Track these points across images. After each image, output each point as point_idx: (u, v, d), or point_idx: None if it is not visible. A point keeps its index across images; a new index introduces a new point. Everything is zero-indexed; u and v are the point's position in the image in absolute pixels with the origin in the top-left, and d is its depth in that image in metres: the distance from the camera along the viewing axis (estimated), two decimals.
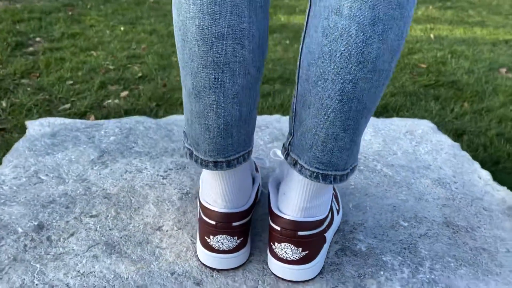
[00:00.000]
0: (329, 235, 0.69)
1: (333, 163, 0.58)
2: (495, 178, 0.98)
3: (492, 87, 2.12)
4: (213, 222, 0.64)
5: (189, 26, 0.52)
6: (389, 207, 0.84)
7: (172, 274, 0.66)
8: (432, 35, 3.09)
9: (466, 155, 1.05)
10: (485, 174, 0.98)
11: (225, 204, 0.64)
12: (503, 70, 2.44)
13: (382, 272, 0.68)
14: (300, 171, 0.60)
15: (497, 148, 1.52)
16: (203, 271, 0.66)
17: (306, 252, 0.63)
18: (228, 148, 0.60)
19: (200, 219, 0.67)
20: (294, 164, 0.61)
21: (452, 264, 0.70)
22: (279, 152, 0.76)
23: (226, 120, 0.57)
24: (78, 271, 0.66)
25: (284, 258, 0.63)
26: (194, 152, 0.62)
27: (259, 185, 0.73)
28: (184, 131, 0.65)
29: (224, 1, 0.50)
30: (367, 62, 0.50)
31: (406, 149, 1.06)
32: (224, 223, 0.63)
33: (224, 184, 0.64)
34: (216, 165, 0.61)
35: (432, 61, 2.50)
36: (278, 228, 0.63)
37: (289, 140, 0.62)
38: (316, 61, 0.53)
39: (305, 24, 0.56)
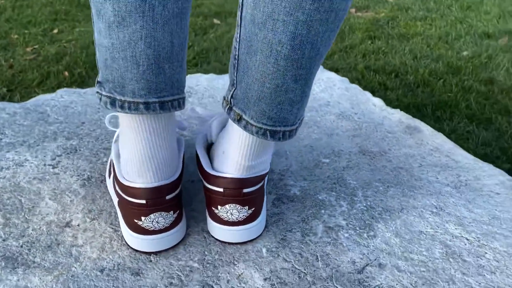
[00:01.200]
0: (265, 187, 0.64)
1: (282, 118, 0.52)
2: None
3: (348, 26, 2.27)
4: (143, 201, 0.54)
5: None
6: (307, 147, 0.83)
7: (101, 271, 0.55)
8: None
9: (357, 87, 1.09)
10: (378, 101, 1.03)
11: (154, 176, 0.55)
12: (353, 10, 2.62)
13: (323, 211, 0.66)
14: (245, 128, 0.53)
15: (368, 80, 1.63)
16: (138, 258, 0.57)
17: (253, 209, 0.58)
18: (161, 86, 0.51)
19: (123, 201, 0.57)
20: (239, 120, 0.53)
21: (380, 188, 0.72)
22: (199, 109, 0.68)
23: (157, 51, 0.49)
24: None
25: (230, 220, 0.58)
26: (118, 97, 0.51)
27: (184, 149, 0.64)
28: (98, 81, 0.54)
29: None
30: (324, 0, 0.44)
31: None
32: (157, 199, 0.55)
33: (153, 147, 0.54)
34: (148, 107, 0.51)
35: None
36: (221, 190, 0.56)
37: (232, 92, 0.54)
38: None
39: None
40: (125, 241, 0.59)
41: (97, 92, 0.54)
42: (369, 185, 0.73)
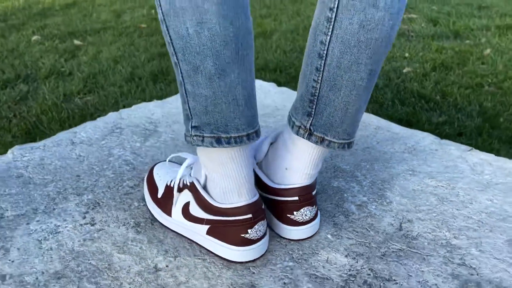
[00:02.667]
0: None
1: (354, 131, 0.68)
2: None
3: None
4: (249, 216, 0.64)
5: (207, 6, 0.54)
6: None
7: None
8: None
9: (287, 89, 1.27)
10: None
11: (250, 193, 0.65)
12: None
13: (345, 195, 0.84)
14: (328, 146, 0.67)
15: (265, 80, 1.83)
16: (243, 275, 0.66)
17: (316, 206, 0.72)
18: (254, 118, 0.63)
19: (222, 224, 0.65)
20: (321, 141, 0.66)
21: (368, 166, 0.92)
22: None
23: (248, 91, 0.61)
24: None
25: (304, 220, 0.70)
26: (223, 135, 0.60)
27: None
28: (194, 126, 0.62)
29: None
30: (390, 43, 0.62)
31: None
32: (258, 211, 0.65)
33: (248, 170, 0.65)
34: (249, 138, 0.62)
35: (149, 20, 2.60)
36: (296, 198, 0.69)
37: (310, 121, 0.66)
38: (352, 50, 0.60)
39: (333, 18, 0.60)
40: (229, 260, 0.67)
41: (195, 135, 0.62)
42: (359, 166, 0.92)
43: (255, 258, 0.67)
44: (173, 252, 0.70)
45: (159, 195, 0.75)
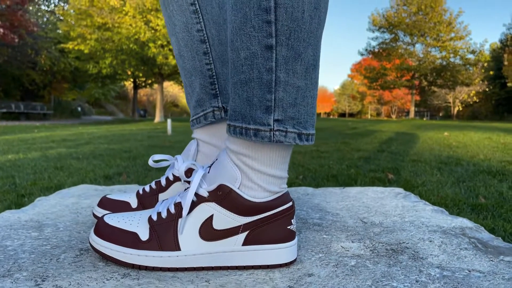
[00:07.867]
0: None
1: None
2: None
3: None
4: (291, 203, 0.59)
5: None
6: None
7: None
8: None
9: None
10: None
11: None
12: None
13: (301, 216, 0.84)
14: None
15: None
16: (289, 271, 0.57)
17: None
18: None
19: (270, 220, 0.58)
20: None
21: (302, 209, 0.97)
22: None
23: None
24: None
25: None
26: (304, 132, 0.56)
27: None
28: (277, 120, 0.55)
29: None
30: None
31: None
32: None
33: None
34: (314, 137, 0.58)
35: None
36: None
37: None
38: (223, 27, 0.70)
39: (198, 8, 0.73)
40: (275, 265, 0.57)
41: (278, 130, 0.54)
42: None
43: (297, 255, 0.61)
44: (200, 280, 0.55)
45: (144, 237, 0.58)
